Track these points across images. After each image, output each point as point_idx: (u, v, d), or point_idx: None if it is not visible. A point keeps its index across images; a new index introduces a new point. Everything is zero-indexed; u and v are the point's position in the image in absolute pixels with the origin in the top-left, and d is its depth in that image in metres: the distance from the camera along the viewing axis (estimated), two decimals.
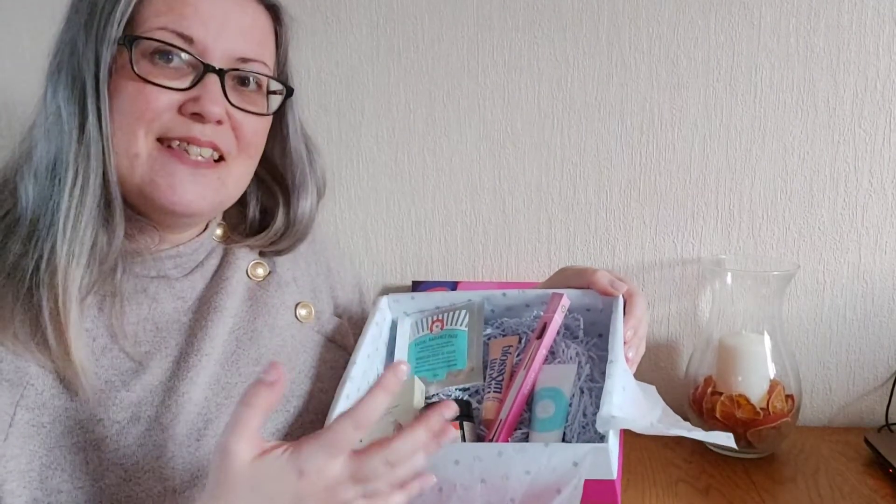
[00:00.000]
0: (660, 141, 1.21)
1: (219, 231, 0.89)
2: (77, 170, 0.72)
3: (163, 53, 0.74)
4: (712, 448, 1.13)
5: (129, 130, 0.74)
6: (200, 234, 0.86)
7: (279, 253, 0.92)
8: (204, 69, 0.75)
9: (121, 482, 0.68)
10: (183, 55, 0.75)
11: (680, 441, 1.15)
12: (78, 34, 0.74)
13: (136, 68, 0.73)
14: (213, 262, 0.86)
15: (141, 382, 0.73)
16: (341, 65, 1.24)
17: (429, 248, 1.29)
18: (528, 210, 1.26)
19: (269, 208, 0.92)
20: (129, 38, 0.73)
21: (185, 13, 0.75)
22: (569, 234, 1.26)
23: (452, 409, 0.61)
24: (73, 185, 0.71)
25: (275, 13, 0.85)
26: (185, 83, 0.75)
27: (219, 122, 0.77)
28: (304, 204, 0.91)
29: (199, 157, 0.77)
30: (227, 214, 0.91)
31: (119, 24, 0.73)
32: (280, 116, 0.88)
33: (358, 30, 1.23)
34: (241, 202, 0.89)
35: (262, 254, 0.91)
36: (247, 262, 0.88)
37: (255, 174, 0.87)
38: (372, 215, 1.29)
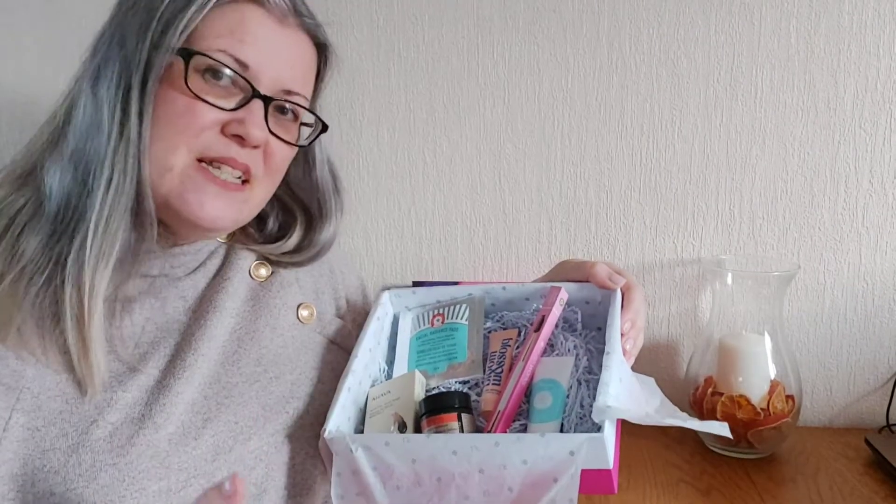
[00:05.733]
0: (660, 141, 1.21)
1: None
2: (113, 169, 0.72)
3: (215, 72, 0.75)
4: (713, 448, 1.13)
5: (171, 143, 0.74)
6: None
7: (297, 265, 0.92)
8: (252, 94, 0.76)
9: (115, 482, 0.68)
10: (236, 78, 0.76)
11: (681, 441, 1.14)
12: (128, 33, 0.74)
13: (188, 82, 0.74)
14: (216, 262, 0.85)
15: (137, 383, 0.73)
16: (341, 64, 1.24)
17: (429, 249, 1.29)
18: (528, 210, 1.26)
19: (286, 226, 0.93)
20: (188, 52, 0.74)
21: (245, 40, 0.76)
22: (569, 235, 1.26)
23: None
24: (109, 184, 0.71)
25: (322, 51, 0.87)
26: (232, 104, 0.76)
27: (255, 147, 0.78)
28: (328, 230, 0.93)
29: (229, 179, 0.78)
30: None
31: (179, 35, 0.73)
32: (308, 146, 0.90)
33: (358, 30, 1.23)
34: (260, 216, 0.90)
35: (274, 262, 0.91)
36: (249, 261, 0.87)
37: (275, 194, 0.88)
38: (372, 215, 1.29)
